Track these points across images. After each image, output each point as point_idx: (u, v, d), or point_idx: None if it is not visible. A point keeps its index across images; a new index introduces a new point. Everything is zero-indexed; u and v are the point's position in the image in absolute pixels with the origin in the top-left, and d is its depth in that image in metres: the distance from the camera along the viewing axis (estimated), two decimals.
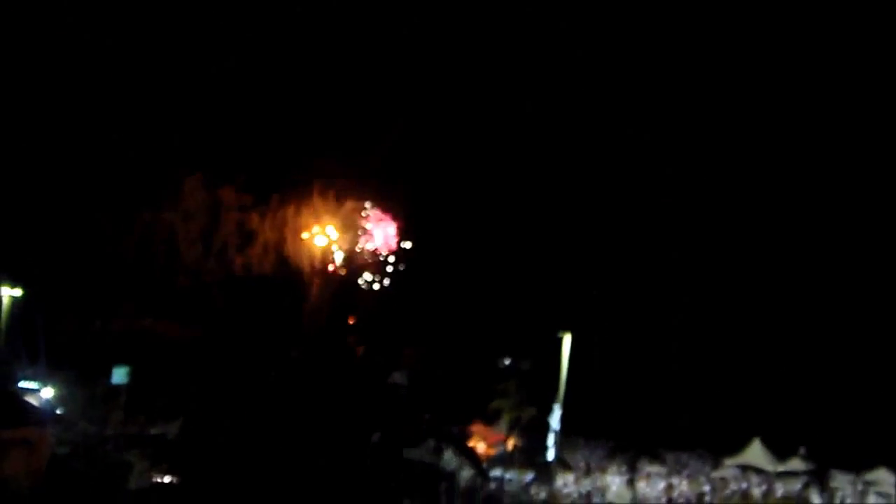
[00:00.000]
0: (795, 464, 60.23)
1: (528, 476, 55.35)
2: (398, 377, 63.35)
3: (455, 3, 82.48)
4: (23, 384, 52.57)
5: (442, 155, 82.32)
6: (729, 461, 64.06)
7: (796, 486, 59.16)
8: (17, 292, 57.12)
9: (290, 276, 73.04)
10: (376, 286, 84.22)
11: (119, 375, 54.58)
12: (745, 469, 63.49)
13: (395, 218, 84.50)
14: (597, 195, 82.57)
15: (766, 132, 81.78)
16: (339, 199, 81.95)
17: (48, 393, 53.96)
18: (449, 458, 55.44)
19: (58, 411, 51.48)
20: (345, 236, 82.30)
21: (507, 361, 63.45)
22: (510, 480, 55.99)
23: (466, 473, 55.38)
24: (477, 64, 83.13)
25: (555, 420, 52.29)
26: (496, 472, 57.30)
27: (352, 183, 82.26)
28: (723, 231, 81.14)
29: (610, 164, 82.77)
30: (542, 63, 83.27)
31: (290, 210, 78.20)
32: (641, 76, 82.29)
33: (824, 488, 54.97)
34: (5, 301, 56.79)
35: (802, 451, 60.52)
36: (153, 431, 47.51)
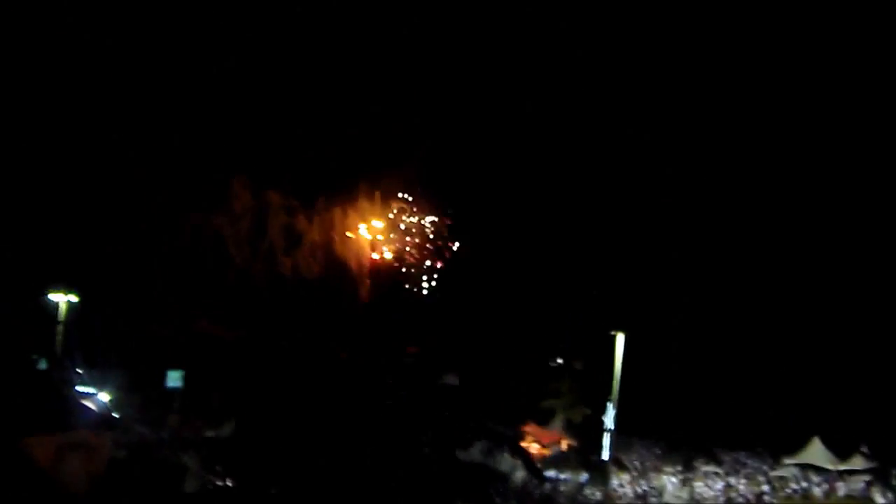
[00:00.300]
0: (857, 462, 59.14)
1: (583, 476, 54.93)
2: (451, 378, 63.41)
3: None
4: (80, 388, 53.13)
5: (492, 153, 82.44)
6: (788, 460, 63.05)
7: (859, 484, 58.10)
8: (73, 298, 57.88)
9: (338, 277, 73.37)
10: (425, 286, 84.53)
11: (174, 379, 55.03)
12: (806, 468, 62.44)
13: (442, 217, 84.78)
14: (649, 192, 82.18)
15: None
16: (385, 199, 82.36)
17: (105, 397, 54.54)
18: (502, 458, 55.26)
19: (114, 415, 52.00)
20: (392, 236, 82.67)
21: (559, 361, 63.08)
22: (565, 481, 55.60)
23: (520, 474, 55.14)
24: (516, 66, 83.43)
25: (609, 419, 51.82)
26: (550, 473, 56.93)
27: (398, 183, 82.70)
28: (778, 227, 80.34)
29: (662, 163, 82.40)
30: (586, 66, 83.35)
31: (337, 211, 78.69)
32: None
33: (888, 487, 53.83)
34: (62, 307, 57.52)
35: (864, 448, 59.41)
36: (208, 434, 47.80)
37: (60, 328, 56.99)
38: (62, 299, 57.32)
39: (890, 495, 54.14)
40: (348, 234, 78.95)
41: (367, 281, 76.50)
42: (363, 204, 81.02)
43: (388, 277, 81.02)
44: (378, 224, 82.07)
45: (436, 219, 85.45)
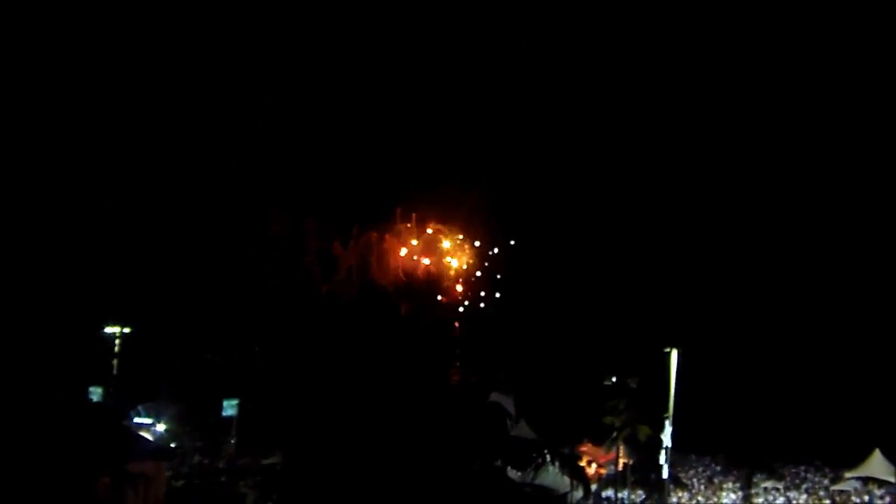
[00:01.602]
0: None
1: (642, 495, 54.48)
2: (505, 401, 63.20)
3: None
4: (137, 420, 53.79)
5: (540, 172, 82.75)
6: (849, 474, 61.99)
7: None
8: (127, 330, 58.62)
9: (377, 301, 73.87)
10: (465, 305, 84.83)
11: (229, 407, 55.50)
12: (867, 481, 61.38)
13: (481, 238, 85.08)
14: (705, 212, 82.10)
15: None
16: (421, 223, 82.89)
17: (161, 427, 55.14)
18: (559, 479, 54.90)
19: (172, 445, 52.54)
20: (429, 258, 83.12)
21: (614, 379, 62.66)
22: (622, 500, 55.18)
23: (577, 494, 54.80)
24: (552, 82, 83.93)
25: (666, 437, 51.34)
26: (608, 493, 56.51)
27: (433, 207, 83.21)
28: (832, 246, 79.70)
29: (713, 184, 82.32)
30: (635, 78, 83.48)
31: (373, 236, 79.38)
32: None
33: None
34: (117, 339, 58.29)
35: None
36: (265, 462, 48.11)
37: (116, 360, 57.68)
38: (117, 331, 58.00)
39: None
40: (386, 257, 79.61)
41: (406, 304, 76.87)
42: (400, 227, 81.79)
43: (427, 299, 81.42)
44: (414, 247, 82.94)
45: (473, 240, 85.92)
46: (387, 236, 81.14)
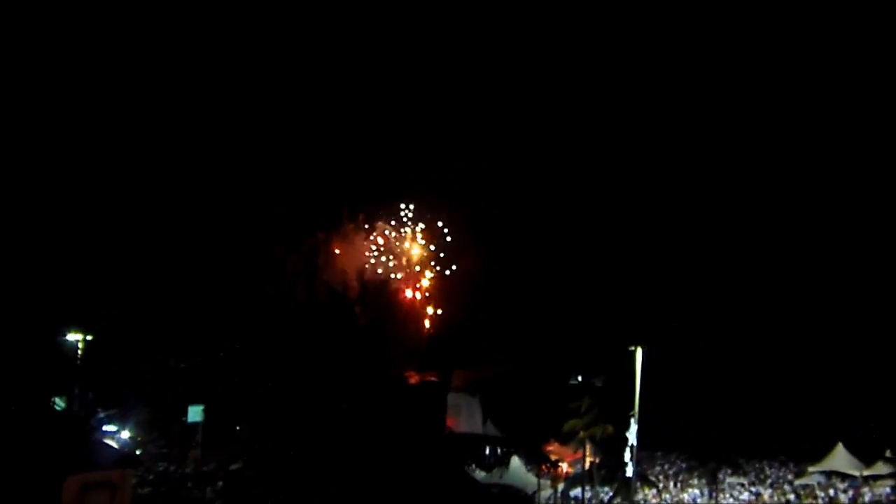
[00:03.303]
0: (882, 467, 58.75)
1: (609, 493, 54.71)
2: (472, 402, 63.37)
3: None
4: (101, 427, 53.29)
5: (502, 170, 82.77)
6: (813, 468, 62.69)
7: (885, 489, 57.72)
8: (89, 337, 57.98)
9: (328, 304, 73.44)
10: (417, 298, 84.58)
11: (195, 414, 55.03)
12: (831, 475, 62.12)
13: (439, 235, 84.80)
14: (664, 209, 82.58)
15: None
16: (370, 222, 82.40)
17: (127, 434, 54.68)
18: (526, 478, 55.04)
19: (137, 452, 52.13)
20: (379, 260, 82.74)
21: (579, 378, 62.95)
22: (589, 500, 55.41)
23: (545, 494, 54.97)
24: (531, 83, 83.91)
25: (632, 435, 51.59)
26: (576, 491, 56.72)
27: (385, 206, 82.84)
28: (795, 240, 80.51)
29: (677, 181, 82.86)
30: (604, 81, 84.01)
31: (320, 238, 78.83)
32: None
33: None
34: (79, 346, 57.66)
35: (888, 453, 59.04)
36: (232, 467, 47.84)
37: (78, 368, 57.07)
38: (79, 338, 57.37)
39: None
40: (335, 261, 79.11)
41: (359, 307, 76.44)
42: (348, 230, 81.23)
43: (382, 301, 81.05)
44: (364, 248, 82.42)
45: (429, 237, 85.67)
46: (334, 239, 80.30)
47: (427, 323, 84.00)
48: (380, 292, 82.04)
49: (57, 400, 52.11)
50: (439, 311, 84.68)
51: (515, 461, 55.22)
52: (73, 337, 57.38)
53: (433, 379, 66.05)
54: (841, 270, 78.67)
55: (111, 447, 44.54)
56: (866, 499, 58.97)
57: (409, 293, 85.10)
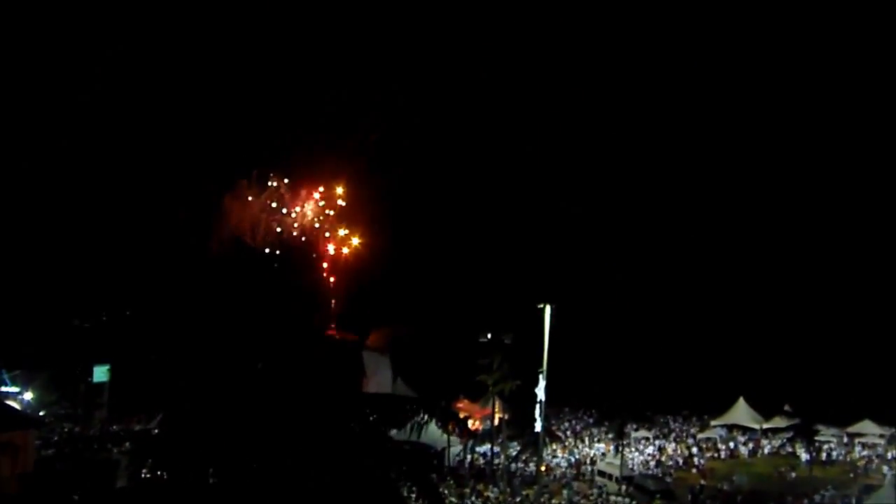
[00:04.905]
0: (780, 420, 60.59)
1: (517, 448, 55.29)
2: (381, 360, 63.24)
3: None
4: (3, 389, 52.10)
5: (416, 132, 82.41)
6: (715, 422, 64.49)
7: (782, 441, 59.62)
8: None
9: (244, 260, 72.54)
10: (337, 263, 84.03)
11: (100, 374, 54.08)
12: (732, 428, 64.00)
13: (330, 194, 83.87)
14: (575, 169, 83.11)
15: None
16: (262, 180, 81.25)
17: (29, 395, 53.52)
18: (437, 436, 55.32)
19: (41, 413, 51.09)
20: (274, 217, 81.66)
21: (488, 336, 63.30)
22: (498, 454, 55.96)
23: (454, 450, 55.33)
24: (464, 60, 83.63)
25: (540, 391, 52.09)
26: (484, 448, 57.24)
27: (279, 164, 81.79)
28: (702, 202, 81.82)
29: (588, 143, 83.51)
30: (521, 57, 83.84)
31: (212, 189, 77.42)
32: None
33: (810, 442, 55.26)
34: None
35: (787, 407, 60.86)
36: (138, 427, 47.22)
37: None
38: None
39: (812, 450, 55.56)
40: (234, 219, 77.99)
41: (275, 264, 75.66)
42: (241, 183, 79.97)
43: (292, 261, 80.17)
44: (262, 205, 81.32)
45: (325, 195, 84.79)
46: (226, 195, 78.74)
47: (341, 283, 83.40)
48: (297, 250, 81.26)
49: None
50: (352, 271, 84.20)
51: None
52: None
53: (352, 338, 65.90)
54: (744, 229, 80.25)
55: (13, 408, 43.49)
56: (765, 451, 60.88)
57: (324, 251, 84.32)
